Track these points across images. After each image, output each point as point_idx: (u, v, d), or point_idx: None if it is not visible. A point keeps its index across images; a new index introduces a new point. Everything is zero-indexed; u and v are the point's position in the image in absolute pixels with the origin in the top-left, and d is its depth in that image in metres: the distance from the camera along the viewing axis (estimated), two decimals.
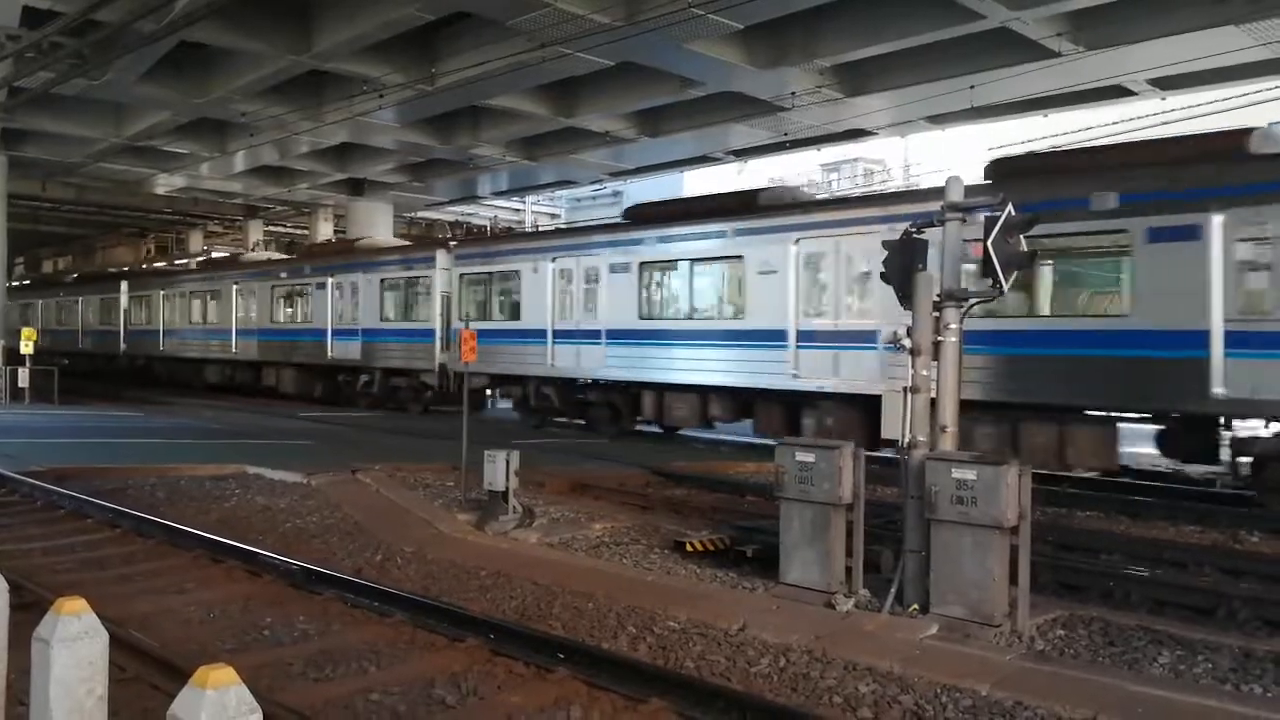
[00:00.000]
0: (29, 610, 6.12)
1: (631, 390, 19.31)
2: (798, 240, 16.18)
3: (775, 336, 16.38)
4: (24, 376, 26.45)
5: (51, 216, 42.53)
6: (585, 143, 27.22)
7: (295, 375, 28.84)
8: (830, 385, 15.56)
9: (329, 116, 23.87)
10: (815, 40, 18.98)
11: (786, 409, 16.46)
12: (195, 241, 47.96)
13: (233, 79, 21.82)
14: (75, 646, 3.66)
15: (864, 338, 15.04)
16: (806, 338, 16.01)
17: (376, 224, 35.86)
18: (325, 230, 39.82)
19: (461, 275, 23.14)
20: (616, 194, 46.52)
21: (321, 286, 27.41)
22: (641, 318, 18.92)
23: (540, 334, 20.60)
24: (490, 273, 22.70)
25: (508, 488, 10.42)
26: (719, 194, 20.09)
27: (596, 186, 39.73)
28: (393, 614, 7.11)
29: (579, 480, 13.90)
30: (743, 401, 17.50)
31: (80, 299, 42.82)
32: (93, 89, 21.65)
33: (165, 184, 35.10)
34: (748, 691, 5.80)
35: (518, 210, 47.94)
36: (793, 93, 21.01)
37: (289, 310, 29.67)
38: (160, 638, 6.51)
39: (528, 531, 10.33)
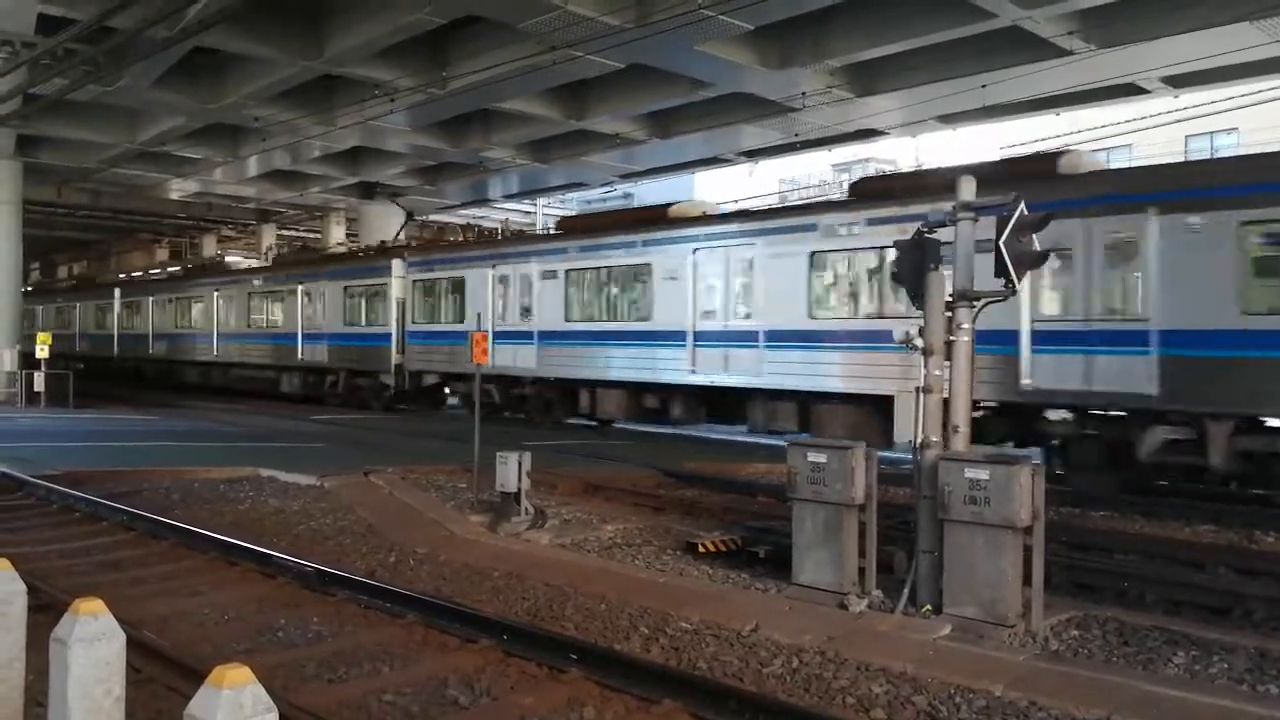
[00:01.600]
0: (46, 612, 6.17)
1: None
2: None
3: None
4: (39, 380, 26.88)
5: (66, 222, 42.75)
6: (596, 145, 27.24)
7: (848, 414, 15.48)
8: None
9: (340, 121, 23.97)
10: (825, 40, 18.94)
11: None
12: (209, 246, 48.27)
13: (245, 84, 21.94)
14: (93, 647, 3.70)
15: None
16: None
17: (388, 228, 35.96)
18: (338, 234, 39.93)
19: None
20: (627, 196, 46.55)
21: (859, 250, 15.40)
22: None
23: None
24: None
25: (519, 489, 10.46)
26: None
27: (607, 189, 39.78)
28: (406, 615, 7.13)
29: (590, 482, 13.89)
30: None
31: (300, 287, 29.18)
32: (107, 95, 21.79)
33: (179, 189, 35.31)
34: (760, 692, 5.80)
35: (528, 213, 48.00)
36: (803, 93, 20.96)
37: (729, 299, 17.33)
38: (176, 639, 6.54)
39: (540, 533, 10.34)
